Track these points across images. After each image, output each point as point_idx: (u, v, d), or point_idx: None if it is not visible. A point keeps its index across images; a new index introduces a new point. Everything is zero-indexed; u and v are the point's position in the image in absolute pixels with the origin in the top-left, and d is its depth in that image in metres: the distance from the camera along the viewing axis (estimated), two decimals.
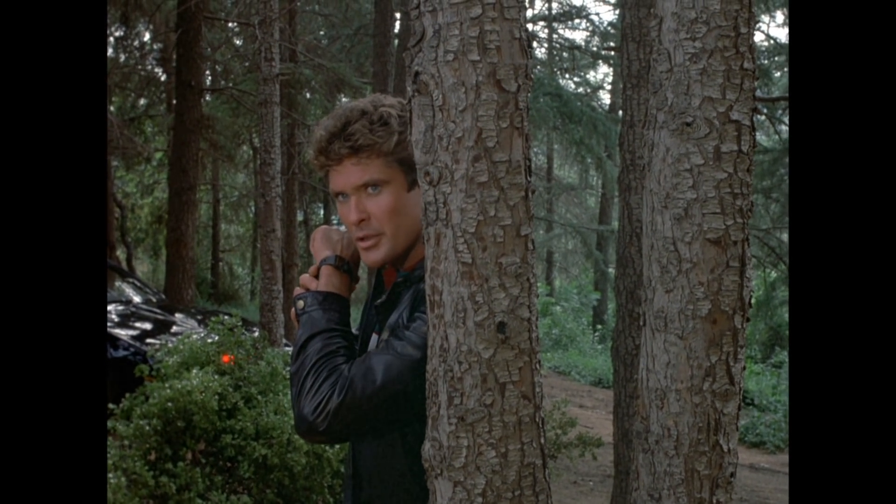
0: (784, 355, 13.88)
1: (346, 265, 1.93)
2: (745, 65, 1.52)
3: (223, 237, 25.26)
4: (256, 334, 5.71)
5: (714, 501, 1.56)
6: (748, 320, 1.57)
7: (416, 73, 1.53)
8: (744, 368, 1.59)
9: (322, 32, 18.05)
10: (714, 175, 1.50)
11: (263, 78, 6.95)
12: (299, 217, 18.21)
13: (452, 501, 1.57)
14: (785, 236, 19.60)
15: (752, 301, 1.58)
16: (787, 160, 16.36)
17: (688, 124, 1.50)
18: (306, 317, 1.84)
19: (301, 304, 1.87)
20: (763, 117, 19.04)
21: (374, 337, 1.91)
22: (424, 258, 1.60)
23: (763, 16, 19.26)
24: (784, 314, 20.17)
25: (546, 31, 22.43)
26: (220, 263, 24.39)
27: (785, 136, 17.86)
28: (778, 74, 19.21)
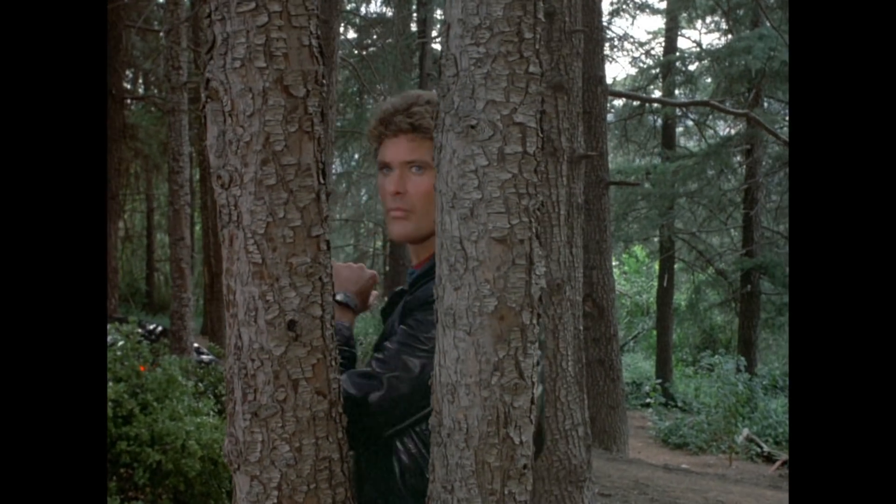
0: (713, 359, 14.18)
1: (346, 297, 2.02)
2: (531, 69, 1.57)
3: (158, 247, 24.98)
4: (165, 340, 5.68)
5: (506, 492, 1.60)
6: (539, 316, 1.62)
7: (208, 80, 1.57)
8: (538, 363, 1.64)
9: None
10: (498, 176, 1.55)
11: (171, 86, 6.90)
12: None
13: (250, 495, 1.60)
14: (713, 239, 19.97)
15: (542, 297, 1.63)
16: (712, 163, 16.71)
17: (472, 127, 1.55)
18: None
19: None
20: (691, 122, 19.41)
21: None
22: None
23: (697, 21, 19.75)
24: (713, 317, 20.51)
25: None
26: (155, 273, 24.14)
27: (711, 140, 18.21)
28: (709, 80, 19.53)
